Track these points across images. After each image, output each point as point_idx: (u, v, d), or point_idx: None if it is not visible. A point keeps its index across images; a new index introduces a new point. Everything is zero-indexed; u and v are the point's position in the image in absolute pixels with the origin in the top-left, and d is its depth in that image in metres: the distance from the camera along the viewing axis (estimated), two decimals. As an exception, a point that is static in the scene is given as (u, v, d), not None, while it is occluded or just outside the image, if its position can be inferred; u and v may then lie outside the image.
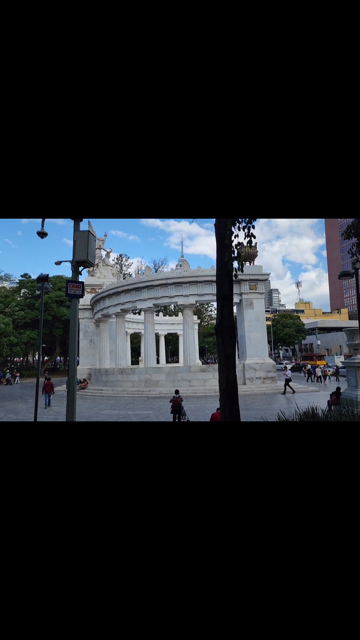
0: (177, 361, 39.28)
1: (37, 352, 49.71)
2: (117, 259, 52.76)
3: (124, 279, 27.50)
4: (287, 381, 16.57)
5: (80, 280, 8.78)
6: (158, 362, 27.33)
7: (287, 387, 16.34)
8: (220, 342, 3.48)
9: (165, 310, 41.76)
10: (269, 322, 50.76)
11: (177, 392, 10.10)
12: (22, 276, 40.69)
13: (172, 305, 30.56)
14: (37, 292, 37.80)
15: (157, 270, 45.77)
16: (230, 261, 3.80)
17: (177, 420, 9.61)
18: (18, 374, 31.08)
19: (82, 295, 8.84)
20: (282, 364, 39.40)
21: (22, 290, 39.87)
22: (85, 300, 25.81)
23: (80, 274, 8.89)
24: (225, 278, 3.61)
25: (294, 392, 16.16)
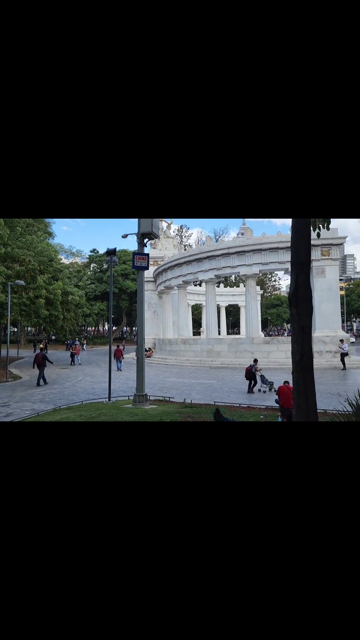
0: (238, 333, 38.82)
1: (106, 323, 53.92)
2: (177, 230, 52.59)
3: (184, 250, 27.40)
4: (343, 355, 15.47)
5: (145, 252, 9.02)
6: (219, 333, 27.33)
7: (342, 361, 15.40)
8: (295, 312, 3.25)
9: (226, 281, 40.93)
10: (342, 292, 46.20)
11: (255, 361, 11.10)
12: (90, 251, 43.51)
13: (234, 276, 29.70)
14: (105, 266, 40.32)
15: (217, 240, 44.48)
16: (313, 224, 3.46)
17: (251, 386, 10.15)
18: (85, 342, 34.20)
19: (147, 267, 9.11)
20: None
21: (92, 265, 42.78)
22: (148, 272, 26.60)
23: (145, 246, 9.12)
24: (302, 242, 3.29)
25: (344, 368, 15.08)
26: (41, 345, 21.97)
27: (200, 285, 31.88)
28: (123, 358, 17.37)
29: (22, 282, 14.08)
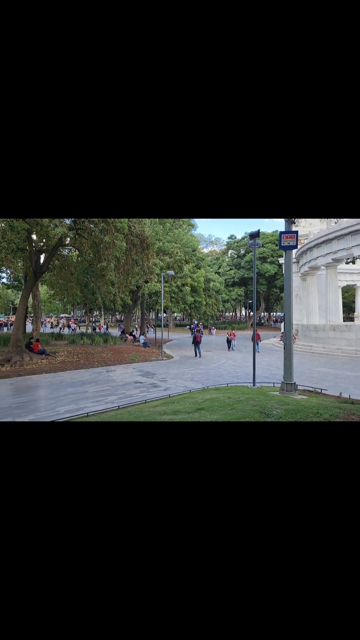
0: None
1: (243, 308, 54.14)
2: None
3: (335, 224, 23.82)
4: None
5: (293, 230, 8.27)
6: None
7: None
8: None
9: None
10: None
11: None
12: (228, 238, 44.16)
13: None
14: (242, 252, 40.21)
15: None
16: None
17: None
18: (214, 329, 34.80)
19: (296, 246, 8.35)
20: None
21: (230, 251, 43.43)
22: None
23: (294, 223, 8.35)
24: None
25: None
26: (199, 328, 24.48)
27: (353, 262, 27.13)
28: (260, 341, 17.78)
29: (172, 272, 15.73)
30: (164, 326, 28.02)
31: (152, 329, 28.18)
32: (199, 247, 29.38)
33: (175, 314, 50.22)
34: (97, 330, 27.55)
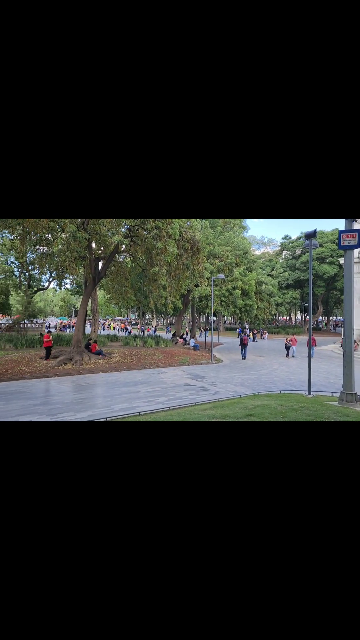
0: None
1: (298, 312, 51.31)
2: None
3: None
4: None
5: (355, 229, 7.68)
6: None
7: None
8: None
9: None
10: None
11: None
12: (282, 238, 42.38)
13: None
14: (298, 252, 38.20)
15: None
16: None
17: None
18: (266, 333, 32.91)
19: (357, 245, 7.73)
20: None
21: (284, 252, 41.64)
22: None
23: (355, 221, 7.73)
24: None
25: None
26: (246, 331, 23.97)
27: None
28: (316, 346, 16.77)
29: (222, 276, 15.65)
30: (214, 330, 27.88)
31: (204, 332, 28.10)
32: (251, 249, 28.71)
33: (226, 318, 49.64)
34: (146, 332, 28.45)
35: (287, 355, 17.22)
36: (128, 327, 35.52)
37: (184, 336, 22.91)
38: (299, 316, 56.19)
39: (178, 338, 21.86)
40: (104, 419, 6.36)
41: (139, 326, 36.54)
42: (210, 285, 17.53)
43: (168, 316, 45.36)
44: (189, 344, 20.51)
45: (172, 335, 23.41)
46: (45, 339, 13.70)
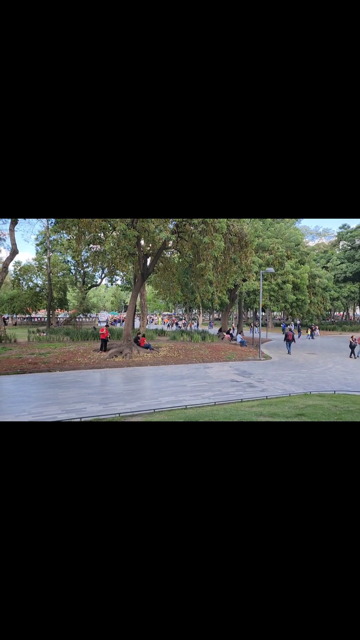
0: None
1: (357, 307, 47.30)
2: None
3: None
4: None
5: None
6: None
7: None
8: None
9: None
10: None
11: None
12: (340, 228, 39.24)
13: None
14: (357, 242, 35.09)
15: None
16: None
17: None
18: (317, 329, 29.94)
19: None
20: None
21: (341, 243, 38.58)
22: None
23: None
24: None
25: None
26: (290, 327, 22.93)
27: None
28: None
29: (271, 270, 15.04)
30: (262, 326, 27.04)
31: (254, 328, 27.15)
32: (304, 240, 27.09)
33: (275, 313, 47.78)
34: (188, 327, 28.42)
35: (352, 355, 15.65)
36: (179, 322, 35.67)
37: (231, 332, 22.59)
38: (358, 311, 51.77)
39: (224, 334, 21.63)
40: (152, 410, 6.59)
41: (183, 321, 36.80)
42: (259, 279, 16.98)
43: (215, 311, 45.06)
44: (235, 340, 20.19)
45: (219, 330, 23.24)
46: (100, 332, 14.64)
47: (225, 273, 14.44)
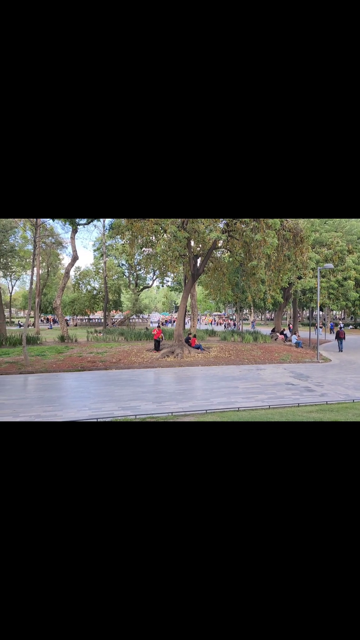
0: None
1: None
2: None
3: None
4: None
5: None
6: None
7: None
8: None
9: None
10: None
11: None
12: None
13: None
14: None
15: None
16: None
17: None
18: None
19: None
20: None
21: None
22: None
23: None
24: None
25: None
26: (340, 325, 21.05)
27: None
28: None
29: (330, 265, 14.00)
30: (320, 326, 25.33)
31: (321, 328, 25.41)
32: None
33: (335, 312, 44.34)
34: (231, 327, 27.48)
35: None
36: (232, 324, 35.00)
37: (284, 332, 21.55)
38: None
39: (278, 334, 20.72)
40: (204, 411, 6.58)
41: (233, 321, 36.04)
42: (316, 276, 15.93)
43: (267, 311, 43.44)
44: (290, 341, 19.20)
45: (272, 331, 22.33)
46: (153, 332, 15.16)
47: (278, 271, 13.82)
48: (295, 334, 19.88)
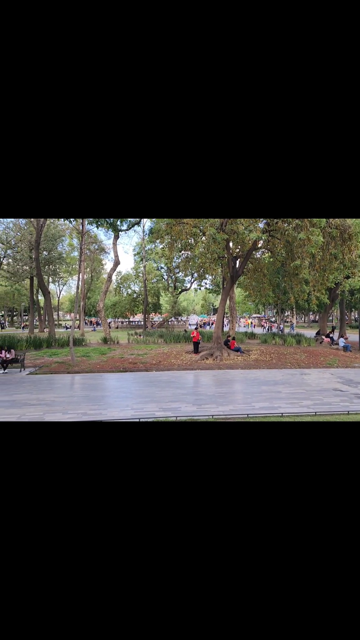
0: None
1: None
2: None
3: None
4: None
5: None
6: None
7: None
8: None
9: None
10: None
11: None
12: None
13: None
14: None
15: None
16: None
17: None
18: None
19: None
20: None
21: None
22: None
23: None
24: None
25: None
26: None
27: None
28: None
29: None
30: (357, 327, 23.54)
31: None
32: None
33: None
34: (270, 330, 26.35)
35: None
36: (273, 326, 33.43)
37: (331, 335, 20.32)
38: None
39: (323, 337, 19.60)
40: (245, 415, 6.43)
41: (273, 324, 34.72)
42: (366, 275, 14.82)
43: (311, 313, 41.37)
44: (337, 344, 18.06)
45: (316, 333, 21.19)
46: (192, 335, 15.22)
47: (324, 270, 13.10)
48: (342, 336, 18.66)
